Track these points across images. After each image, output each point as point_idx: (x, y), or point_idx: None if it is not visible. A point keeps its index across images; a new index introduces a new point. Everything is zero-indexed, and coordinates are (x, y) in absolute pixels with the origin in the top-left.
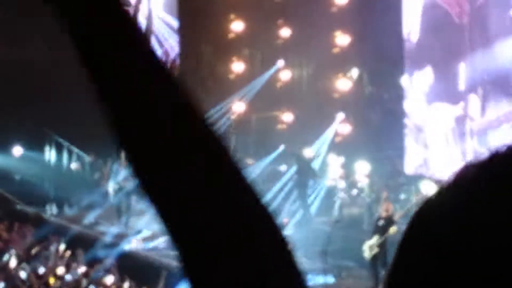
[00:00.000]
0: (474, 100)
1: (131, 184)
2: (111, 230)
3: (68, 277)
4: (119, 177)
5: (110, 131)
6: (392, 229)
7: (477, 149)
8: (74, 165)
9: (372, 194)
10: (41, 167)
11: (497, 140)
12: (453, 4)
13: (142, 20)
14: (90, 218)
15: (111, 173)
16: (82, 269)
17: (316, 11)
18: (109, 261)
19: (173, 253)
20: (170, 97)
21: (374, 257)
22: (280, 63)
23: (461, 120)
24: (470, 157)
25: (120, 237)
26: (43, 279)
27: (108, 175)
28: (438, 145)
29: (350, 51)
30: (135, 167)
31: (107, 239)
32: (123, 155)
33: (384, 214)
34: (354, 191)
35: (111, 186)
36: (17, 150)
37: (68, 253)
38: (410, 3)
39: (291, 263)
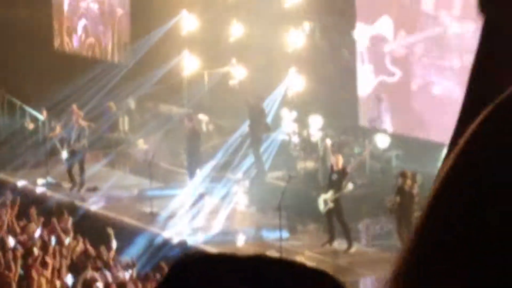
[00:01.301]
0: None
1: (84, 144)
2: (65, 188)
3: (23, 237)
4: (72, 137)
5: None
6: (347, 187)
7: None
8: (28, 124)
9: (326, 148)
10: None
11: None
12: None
13: None
14: (44, 176)
15: (64, 133)
16: (36, 228)
17: None
18: (64, 219)
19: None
20: None
21: (329, 212)
22: (232, 19)
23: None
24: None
25: (75, 196)
26: None
27: (61, 134)
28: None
29: (302, 5)
30: None
31: (62, 197)
32: (73, 115)
33: (335, 167)
34: (308, 146)
35: (65, 146)
36: None
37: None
38: None
39: None
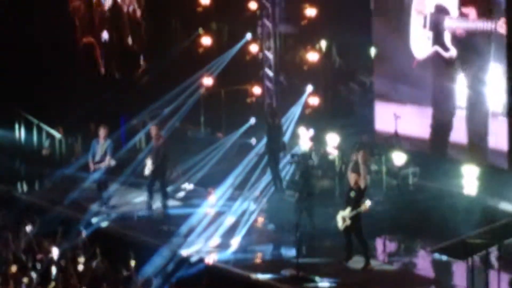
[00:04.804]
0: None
1: (110, 160)
2: (88, 208)
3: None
4: (98, 154)
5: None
6: (364, 206)
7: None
8: (45, 150)
9: (343, 165)
10: (10, 145)
11: None
12: None
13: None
14: (63, 196)
15: (89, 150)
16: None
17: None
18: (80, 239)
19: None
20: None
21: (347, 229)
22: (248, 36)
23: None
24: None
25: (95, 215)
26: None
27: (80, 152)
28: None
29: (318, 23)
30: None
31: (83, 217)
32: (100, 131)
33: (353, 185)
34: (325, 164)
35: (90, 163)
36: None
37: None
38: None
39: None
